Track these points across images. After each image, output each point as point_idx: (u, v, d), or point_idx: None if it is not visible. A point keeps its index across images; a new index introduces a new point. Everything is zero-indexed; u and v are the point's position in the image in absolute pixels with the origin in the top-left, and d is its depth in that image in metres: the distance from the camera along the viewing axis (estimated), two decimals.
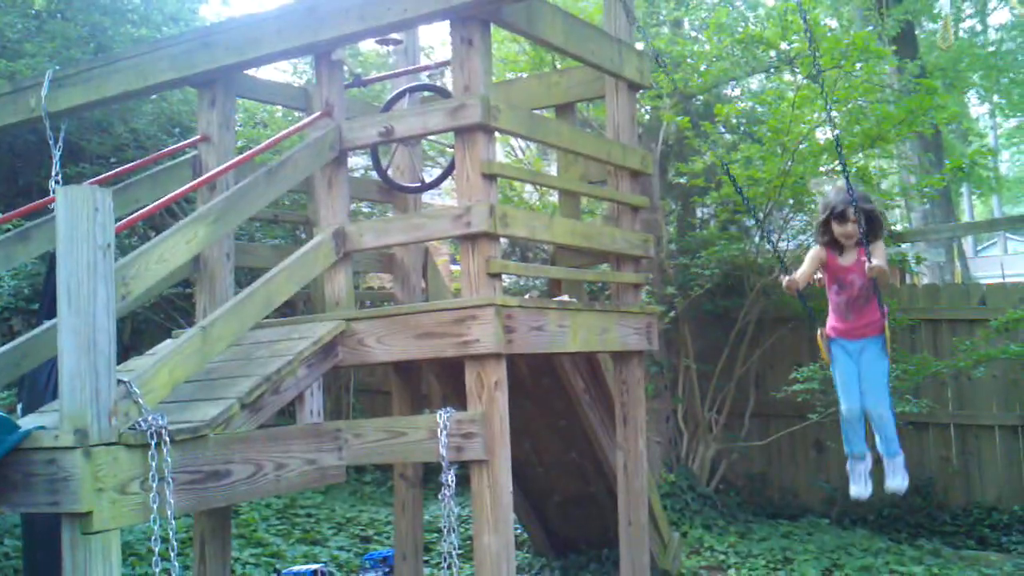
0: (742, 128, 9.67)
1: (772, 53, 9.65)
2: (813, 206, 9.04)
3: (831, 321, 5.17)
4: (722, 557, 7.35)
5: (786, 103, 8.41)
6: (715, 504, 8.35)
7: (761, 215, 8.91)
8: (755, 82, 11.55)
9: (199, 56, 4.95)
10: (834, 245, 4.98)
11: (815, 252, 5.09)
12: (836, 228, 4.91)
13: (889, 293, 8.63)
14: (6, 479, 3.41)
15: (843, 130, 8.57)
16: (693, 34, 11.02)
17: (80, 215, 3.40)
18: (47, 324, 4.29)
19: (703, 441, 8.61)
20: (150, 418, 3.55)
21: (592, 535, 7.07)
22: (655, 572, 6.22)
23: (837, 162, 8.70)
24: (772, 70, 10.44)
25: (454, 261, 9.80)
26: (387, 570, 6.59)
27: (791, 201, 8.75)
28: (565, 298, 5.98)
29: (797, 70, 9.49)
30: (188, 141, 5.48)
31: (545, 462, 6.73)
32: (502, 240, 5.28)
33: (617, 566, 5.80)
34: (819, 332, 5.24)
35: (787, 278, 5.08)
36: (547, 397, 6.23)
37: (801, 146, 8.13)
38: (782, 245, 8.96)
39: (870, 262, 4.76)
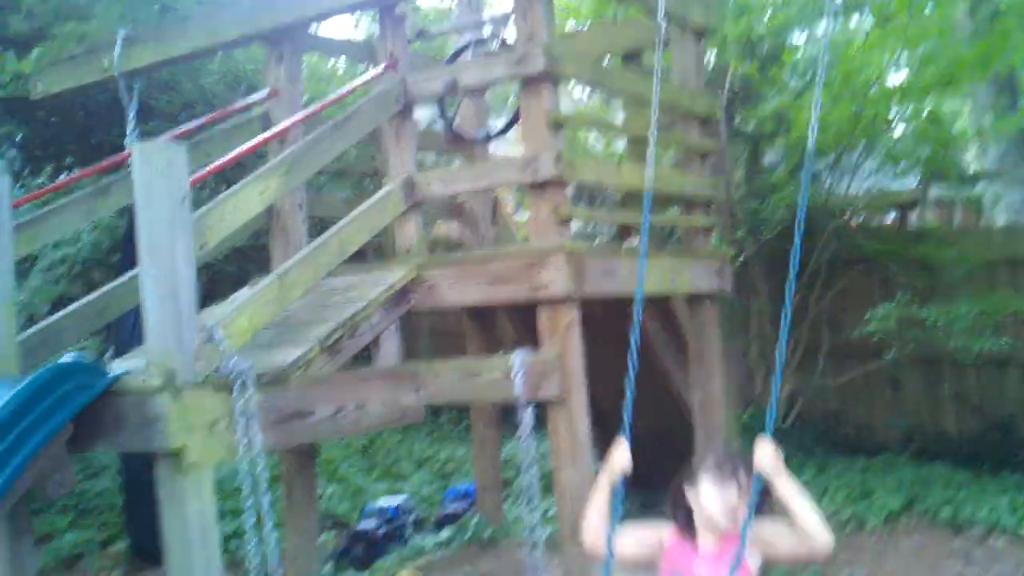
0: (809, 73, 9.52)
1: None
2: (885, 149, 8.93)
3: None
4: None
5: (855, 47, 8.28)
6: (792, 440, 8.31)
7: (832, 159, 8.83)
8: (821, 27, 11.35)
9: (265, 13, 5.04)
10: (687, 526, 3.02)
11: (651, 533, 3.11)
12: (708, 496, 2.93)
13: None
14: (101, 419, 3.55)
15: (914, 73, 8.43)
16: None
17: (156, 170, 3.51)
18: (129, 274, 4.43)
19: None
20: (233, 361, 3.66)
21: (669, 471, 7.10)
22: None
23: (907, 105, 8.61)
24: (840, 15, 10.26)
25: (519, 209, 9.84)
26: (469, 503, 6.71)
27: (862, 144, 8.63)
28: (635, 243, 6.00)
29: (867, 14, 9.31)
30: (257, 96, 5.59)
31: (622, 402, 6.77)
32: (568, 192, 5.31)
33: None
34: None
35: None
36: (622, 340, 6.25)
37: (872, 90, 8.01)
38: (853, 188, 8.84)
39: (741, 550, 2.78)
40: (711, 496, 2.89)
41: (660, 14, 3.63)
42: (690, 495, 2.97)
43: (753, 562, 2.81)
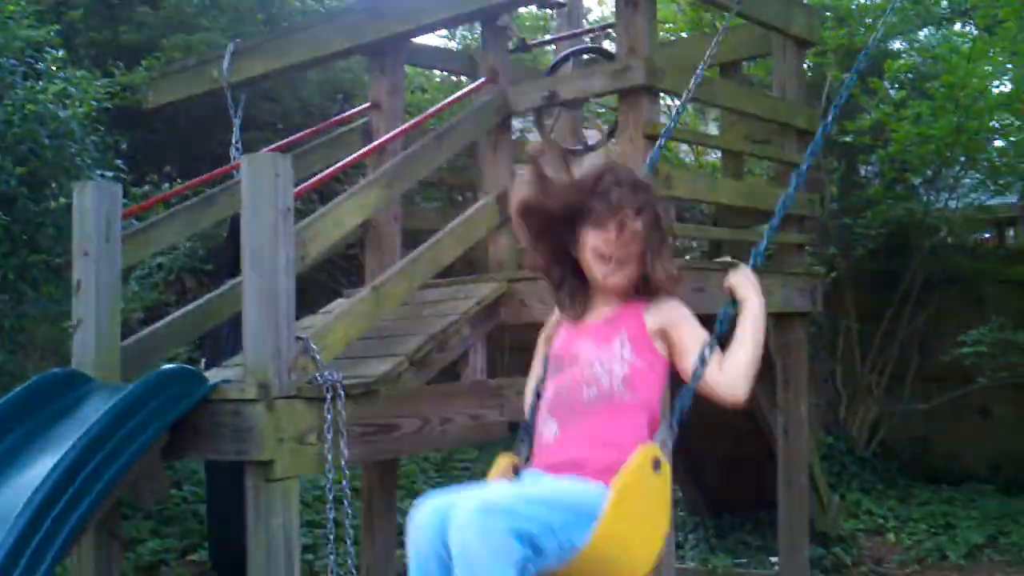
0: (911, 84, 9.32)
1: (944, 3, 9.25)
2: (987, 163, 8.71)
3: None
4: (881, 521, 7.22)
5: (960, 56, 8.07)
6: (874, 468, 8.18)
7: (930, 173, 8.64)
8: (922, 35, 11.09)
9: (370, 25, 5.08)
10: (565, 283, 2.33)
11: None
12: (592, 239, 2.22)
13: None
14: (196, 428, 3.64)
15: (1020, 84, 8.19)
16: None
17: (263, 181, 3.58)
18: (228, 284, 4.53)
19: (863, 403, 8.44)
20: (326, 373, 3.72)
21: (747, 496, 7.04)
22: (814, 534, 6.16)
23: (1014, 117, 8.37)
24: (944, 22, 10.01)
25: None
26: None
27: (962, 158, 8.42)
28: (727, 259, 5.94)
29: (971, 22, 9.06)
30: (359, 108, 5.64)
31: (702, 423, 6.70)
32: None
33: (774, 527, 5.78)
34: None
35: None
36: None
37: (976, 101, 7.81)
38: (951, 204, 8.64)
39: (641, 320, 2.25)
40: (593, 234, 2.21)
41: None
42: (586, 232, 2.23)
43: (661, 348, 2.23)
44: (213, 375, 3.84)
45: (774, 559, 6.16)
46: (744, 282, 2.26)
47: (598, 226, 2.19)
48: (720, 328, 2.23)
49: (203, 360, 5.01)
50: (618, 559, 2.06)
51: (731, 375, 2.18)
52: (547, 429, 2.22)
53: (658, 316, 2.22)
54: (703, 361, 2.17)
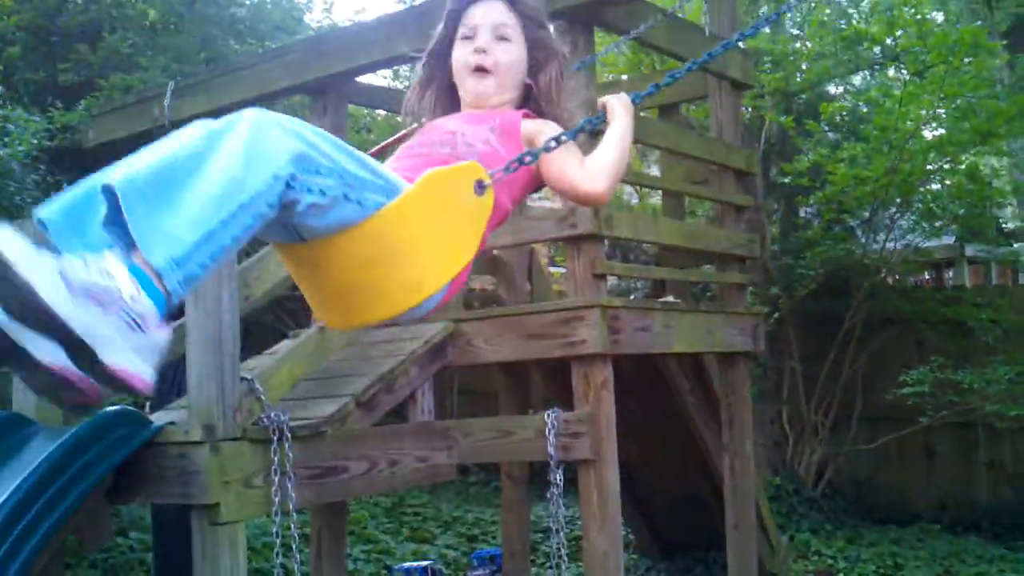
0: (846, 127, 9.54)
1: (876, 49, 9.50)
2: (921, 204, 8.90)
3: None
4: (830, 561, 7.25)
5: (892, 100, 8.28)
6: (821, 508, 8.24)
7: (867, 214, 8.81)
8: (857, 79, 11.39)
9: (313, 64, 5.11)
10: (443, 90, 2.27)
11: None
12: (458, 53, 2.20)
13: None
14: (141, 471, 3.58)
15: (951, 127, 8.41)
16: (795, 32, 10.91)
17: None
18: (173, 324, 4.46)
19: (809, 444, 8.51)
20: (273, 414, 3.68)
21: (698, 537, 7.05)
22: (763, 575, 6.18)
23: (946, 160, 8.59)
24: (876, 67, 10.28)
25: (553, 263, 9.86)
26: (495, 568, 6.67)
27: (898, 200, 8.60)
28: (670, 299, 5.99)
29: (903, 66, 9.31)
30: None
31: (651, 463, 6.74)
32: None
33: (724, 569, 5.78)
34: None
35: None
36: (653, 398, 6.24)
37: (908, 144, 8.00)
38: (889, 245, 8.81)
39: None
40: (459, 49, 2.19)
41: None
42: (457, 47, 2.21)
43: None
44: (158, 417, 3.78)
45: None
46: (618, 104, 2.19)
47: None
48: (576, 130, 2.09)
49: (147, 403, 4.92)
50: (402, 252, 1.80)
51: (591, 168, 2.06)
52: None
53: (533, 125, 2.12)
54: (558, 143, 2.00)
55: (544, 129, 2.09)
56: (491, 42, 2.16)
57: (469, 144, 2.03)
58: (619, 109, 2.18)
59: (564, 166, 2.05)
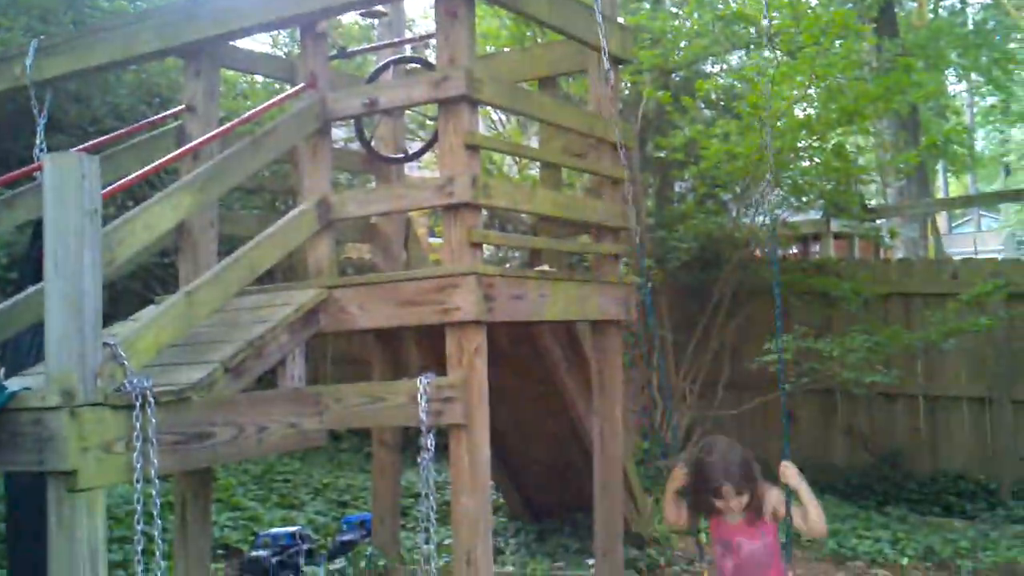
0: (721, 104, 9.75)
1: (752, 30, 9.73)
2: (790, 181, 9.17)
3: None
4: None
5: (765, 79, 8.50)
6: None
7: (738, 189, 9.05)
8: (734, 59, 11.63)
9: (184, 27, 4.97)
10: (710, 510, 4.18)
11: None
12: (716, 503, 4.09)
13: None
14: None
15: (821, 106, 8.68)
16: (674, 10, 11.08)
17: (68, 181, 3.45)
18: (31, 289, 4.34)
19: (677, 410, 8.74)
20: (135, 380, 3.61)
21: (568, 500, 7.20)
22: (629, 536, 6.35)
23: (814, 138, 8.86)
24: (752, 47, 10.52)
25: (432, 234, 9.88)
26: (365, 533, 6.69)
27: (769, 176, 8.84)
28: (546, 268, 6.07)
29: (777, 47, 9.55)
30: (172, 111, 5.51)
31: (523, 429, 6.84)
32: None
33: (591, 530, 5.92)
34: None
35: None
36: (526, 365, 6.33)
37: (779, 122, 8.22)
38: (759, 219, 9.07)
39: (762, 516, 4.11)
40: (731, 500, 4.07)
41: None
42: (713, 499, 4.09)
43: (772, 526, 4.10)
44: (13, 383, 3.67)
45: (591, 561, 6.31)
46: (792, 473, 4.23)
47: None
48: (788, 507, 4.17)
49: (1, 370, 4.77)
50: None
51: (812, 522, 4.10)
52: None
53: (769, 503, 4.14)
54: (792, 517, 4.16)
55: (777, 502, 4.23)
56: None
57: (754, 552, 4.22)
58: (796, 477, 4.18)
59: (794, 522, 4.16)
